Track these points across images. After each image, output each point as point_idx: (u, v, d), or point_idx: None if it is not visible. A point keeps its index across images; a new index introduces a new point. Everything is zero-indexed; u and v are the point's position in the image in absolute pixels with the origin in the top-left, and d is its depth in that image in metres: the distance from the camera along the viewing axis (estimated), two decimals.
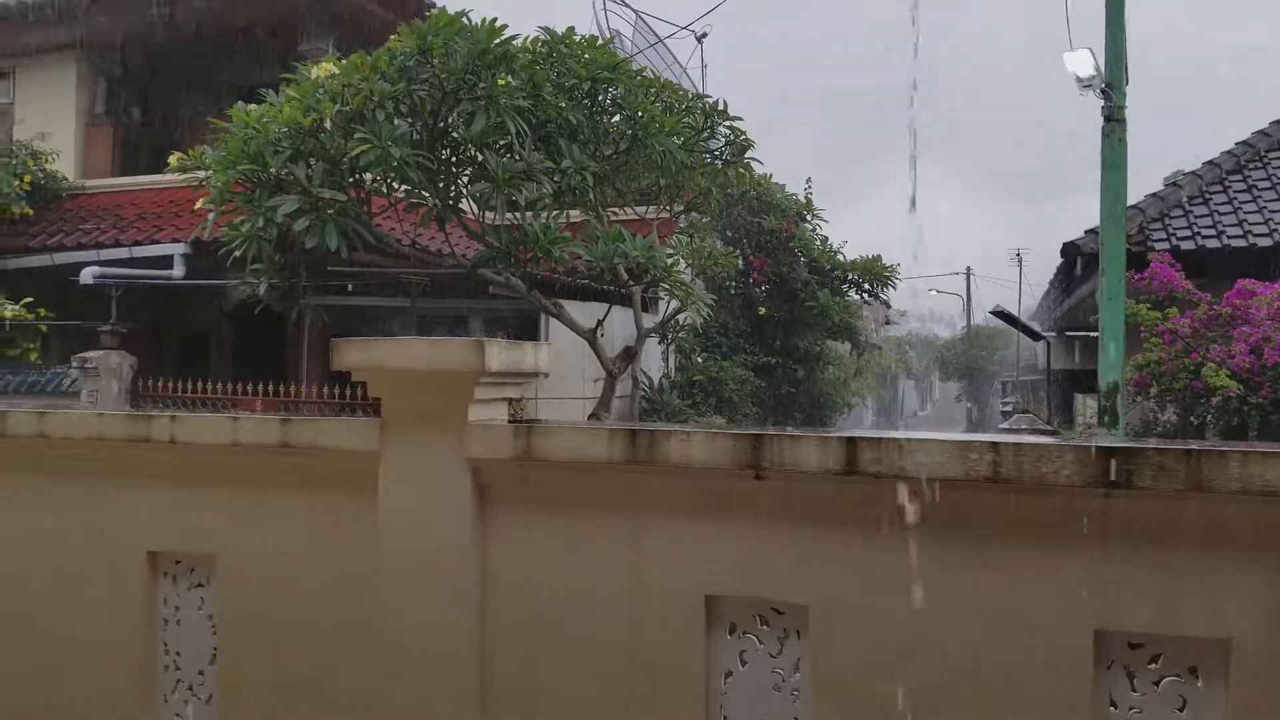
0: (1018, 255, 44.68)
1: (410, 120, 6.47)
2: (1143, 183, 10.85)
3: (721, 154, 8.20)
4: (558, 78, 6.85)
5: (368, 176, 6.60)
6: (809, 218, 14.35)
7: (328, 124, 6.25)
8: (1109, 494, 2.48)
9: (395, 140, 5.92)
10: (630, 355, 7.97)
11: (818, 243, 13.95)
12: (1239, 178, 10.48)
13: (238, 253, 6.33)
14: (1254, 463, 2.39)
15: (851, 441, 2.55)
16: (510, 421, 2.78)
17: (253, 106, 6.45)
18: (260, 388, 9.63)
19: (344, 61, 6.53)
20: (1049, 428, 8.58)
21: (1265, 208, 9.64)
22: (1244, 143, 11.14)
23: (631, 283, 7.83)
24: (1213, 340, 6.59)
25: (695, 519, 2.65)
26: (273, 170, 6.19)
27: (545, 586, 2.69)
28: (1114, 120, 6.75)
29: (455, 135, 6.51)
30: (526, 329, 10.37)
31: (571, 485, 2.68)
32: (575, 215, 8.12)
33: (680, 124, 7.52)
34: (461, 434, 2.70)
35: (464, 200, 7.01)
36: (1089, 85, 6.73)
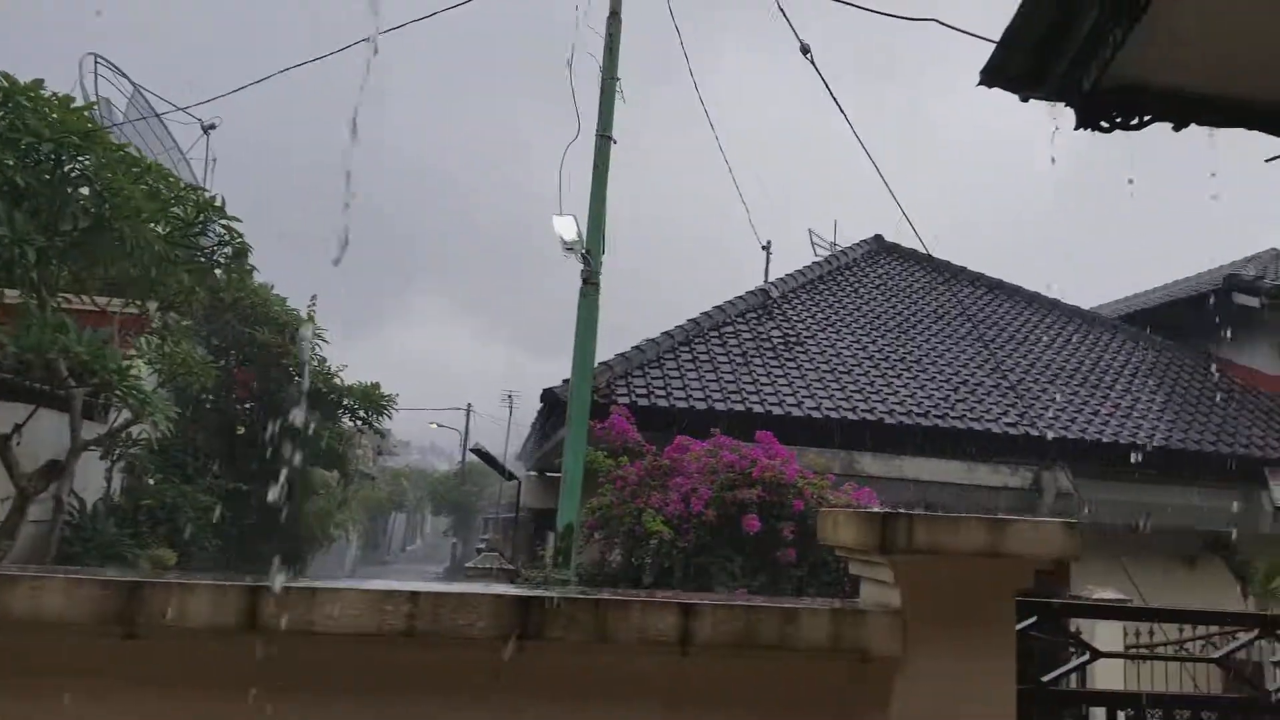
0: (509, 397, 47.95)
1: None
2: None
3: (214, 253, 7.53)
4: (9, 131, 5.80)
5: None
6: (309, 335, 13.80)
7: None
8: (523, 646, 2.44)
9: None
10: (56, 471, 6.70)
11: (315, 362, 13.39)
12: (686, 349, 12.28)
13: None
14: (651, 612, 2.53)
15: (253, 591, 2.24)
16: None
17: None
18: None
19: None
20: (510, 566, 8.89)
21: (703, 377, 11.39)
22: (693, 320, 13.14)
23: (73, 383, 6.68)
24: (654, 488, 7.38)
25: (41, 695, 2.09)
26: None
27: None
28: (590, 283, 7.49)
29: None
30: None
31: None
32: (13, 296, 6.82)
33: (165, 212, 6.78)
34: None
35: None
36: (571, 249, 7.43)
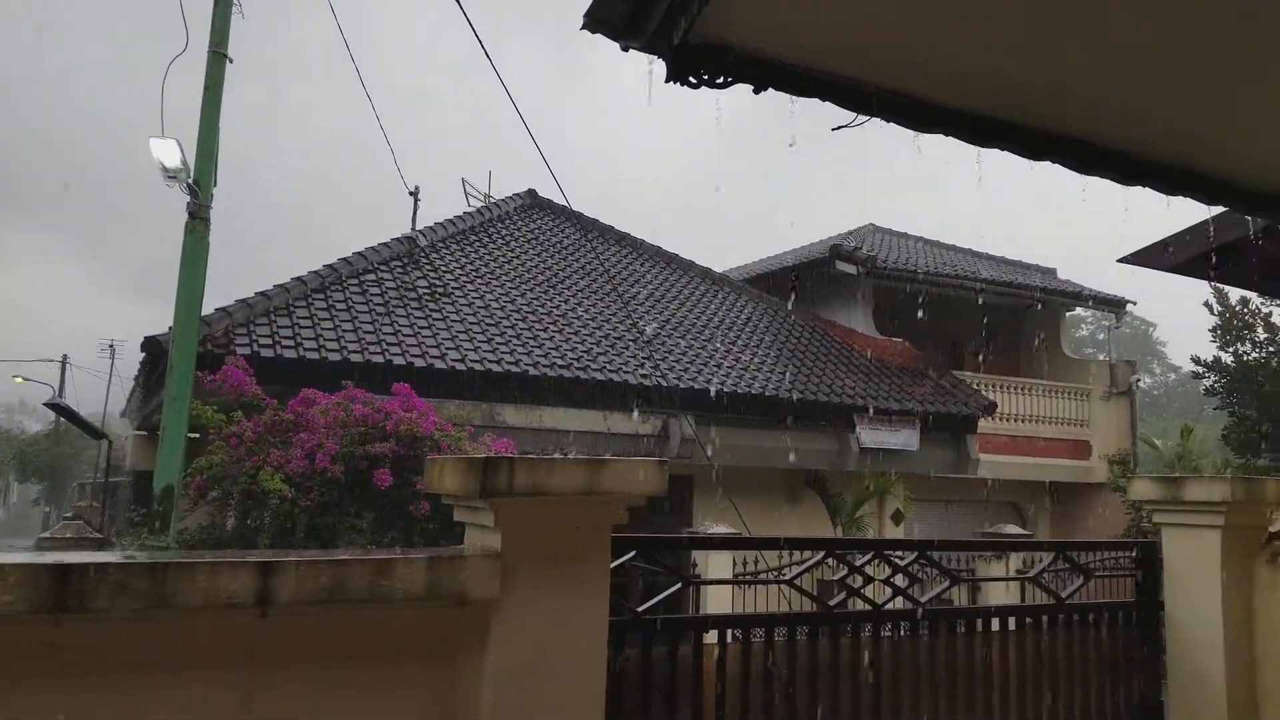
0: (110, 347, 42.65)
1: None
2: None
3: None
4: None
5: None
6: None
7: None
8: (60, 620, 2.13)
9: None
10: None
11: None
12: (321, 296, 11.56)
13: None
14: (223, 573, 2.30)
15: None
16: None
17: None
18: None
19: None
20: (99, 535, 7.90)
21: (339, 326, 10.79)
22: (330, 265, 12.40)
23: None
24: (274, 445, 6.86)
25: None
26: None
27: None
28: (198, 217, 6.73)
29: None
30: None
31: None
32: None
33: None
34: None
35: None
36: (174, 177, 6.62)
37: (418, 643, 2.55)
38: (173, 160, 6.54)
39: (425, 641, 2.56)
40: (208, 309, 9.57)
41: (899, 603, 3.76)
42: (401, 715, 2.51)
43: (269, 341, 9.91)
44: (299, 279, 11.77)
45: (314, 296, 11.50)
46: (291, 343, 10.03)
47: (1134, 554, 4.54)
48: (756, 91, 2.52)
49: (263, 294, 11.03)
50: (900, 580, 3.80)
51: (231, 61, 7.17)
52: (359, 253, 13.05)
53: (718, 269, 19.26)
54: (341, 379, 8.10)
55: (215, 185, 6.91)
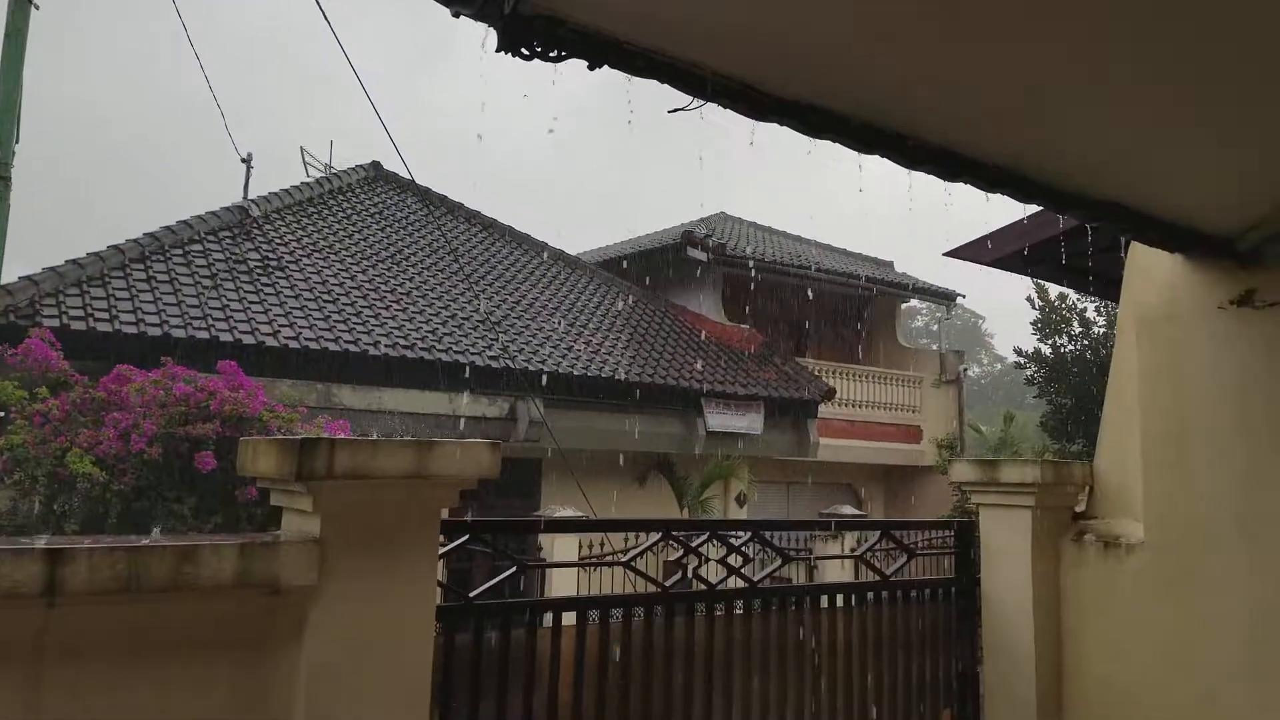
0: None
1: None
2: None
3: None
4: None
5: None
6: None
7: None
8: None
9: None
10: None
11: None
12: (141, 266, 10.78)
13: None
14: (4, 562, 2.10)
15: None
16: None
17: None
18: None
19: None
20: None
21: (160, 299, 10.09)
22: (151, 234, 11.58)
23: None
24: (85, 425, 6.37)
25: None
26: None
27: None
28: None
29: None
30: None
31: None
32: None
33: None
34: None
35: None
36: None
37: (227, 634, 2.43)
38: None
39: (235, 633, 2.44)
40: (10, 276, 8.81)
41: (736, 582, 3.83)
42: (207, 711, 2.38)
43: (81, 314, 9.17)
44: (116, 247, 10.91)
45: (132, 266, 10.69)
46: (106, 315, 9.31)
47: (953, 533, 4.78)
48: (591, 68, 2.48)
49: (75, 262, 10.18)
50: (735, 560, 3.87)
51: (38, 8, 6.55)
52: (184, 221, 12.21)
53: (572, 251, 19.20)
54: (162, 356, 7.59)
55: (18, 141, 6.32)
